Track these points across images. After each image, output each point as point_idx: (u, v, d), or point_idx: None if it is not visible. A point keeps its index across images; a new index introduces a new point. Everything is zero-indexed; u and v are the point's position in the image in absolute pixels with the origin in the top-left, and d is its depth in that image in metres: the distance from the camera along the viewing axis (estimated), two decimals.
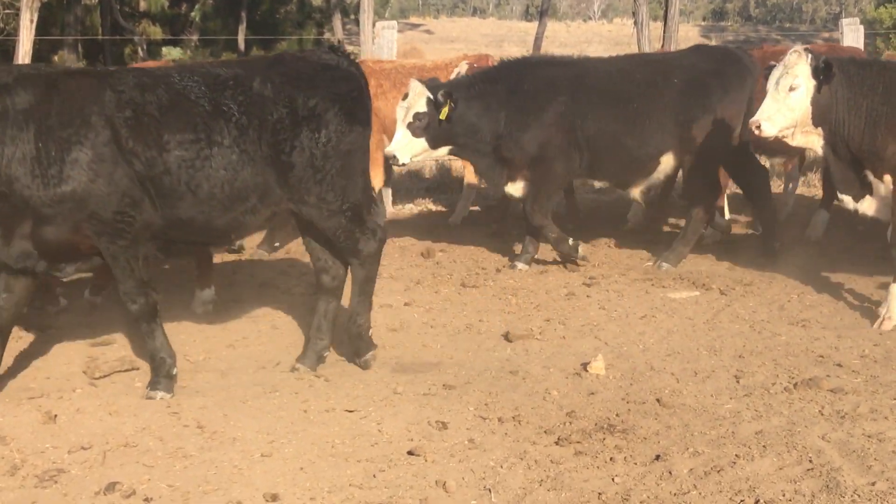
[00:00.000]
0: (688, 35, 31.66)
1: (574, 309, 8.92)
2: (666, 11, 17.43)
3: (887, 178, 8.14)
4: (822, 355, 7.44)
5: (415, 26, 38.07)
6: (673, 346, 7.82)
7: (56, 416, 6.40)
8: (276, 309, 8.90)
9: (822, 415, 6.29)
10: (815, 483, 5.34)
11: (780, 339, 7.90)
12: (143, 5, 26.45)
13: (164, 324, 7.01)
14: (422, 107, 9.85)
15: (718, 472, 5.51)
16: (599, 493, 5.35)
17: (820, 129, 8.21)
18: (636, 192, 10.52)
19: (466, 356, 7.70)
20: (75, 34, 23.82)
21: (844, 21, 14.91)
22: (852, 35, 14.45)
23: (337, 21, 27.90)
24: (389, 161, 10.22)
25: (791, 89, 8.09)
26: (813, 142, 8.32)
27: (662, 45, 17.06)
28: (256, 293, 9.45)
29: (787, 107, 8.12)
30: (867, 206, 8.42)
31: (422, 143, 9.95)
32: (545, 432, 6.21)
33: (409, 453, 5.92)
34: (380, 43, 14.45)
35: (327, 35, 28.53)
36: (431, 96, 9.82)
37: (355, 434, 6.23)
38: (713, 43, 32.05)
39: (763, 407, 6.45)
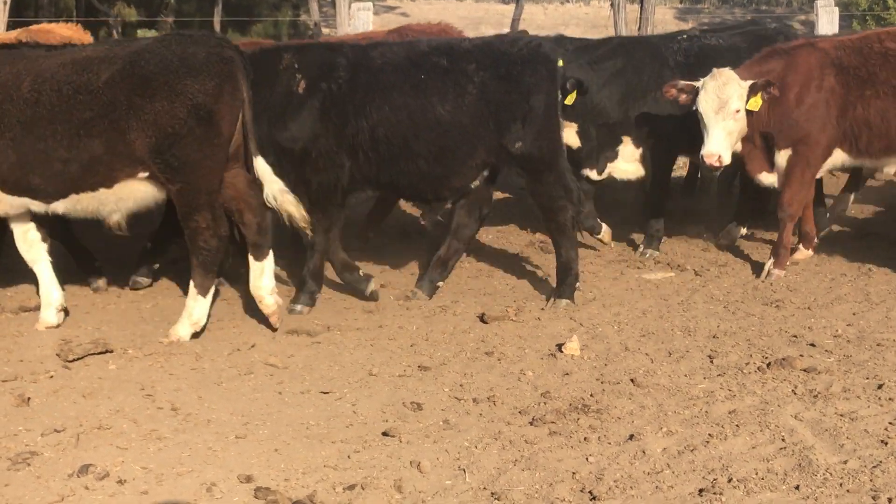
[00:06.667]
0: (664, 17, 31.64)
1: (549, 290, 8.92)
2: None
3: None
4: (796, 335, 7.48)
5: (391, 9, 37.92)
6: (647, 326, 7.84)
7: (29, 398, 6.38)
8: None
9: (795, 394, 6.32)
10: (787, 462, 5.37)
11: (754, 319, 7.94)
12: None
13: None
14: None
15: (692, 451, 5.54)
16: (573, 473, 5.36)
17: None
18: None
19: (442, 337, 7.70)
20: (49, 16, 23.64)
21: (819, 3, 14.87)
22: (827, 17, 14.45)
23: (313, 2, 27.74)
24: None
25: None
26: None
27: (639, 28, 17.05)
28: (232, 275, 9.40)
29: None
30: None
31: None
32: (520, 413, 6.23)
33: (384, 434, 5.93)
34: (355, 25, 14.36)
35: (303, 17, 28.40)
36: None
37: (330, 415, 6.23)
38: (689, 26, 32.03)
39: (736, 386, 6.48)
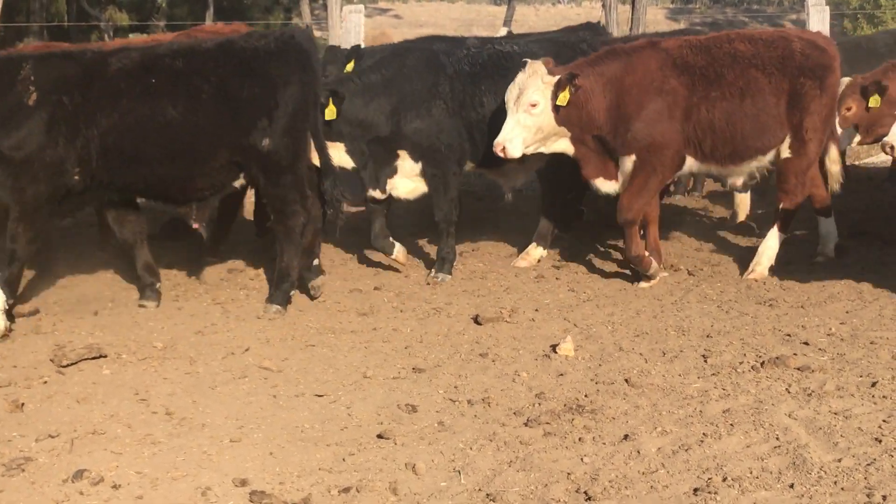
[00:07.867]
0: (656, 17, 31.72)
1: (543, 291, 8.94)
2: None
3: None
4: (789, 334, 7.48)
5: (384, 11, 37.98)
6: (641, 326, 7.85)
7: (23, 404, 6.37)
8: (245, 295, 8.87)
9: (789, 393, 6.32)
10: (782, 460, 5.37)
11: (748, 318, 7.94)
12: None
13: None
14: None
15: (686, 450, 5.54)
16: (568, 473, 5.37)
17: None
18: None
19: (436, 339, 7.71)
20: (41, 21, 23.64)
21: (810, 2, 14.91)
22: (818, 16, 14.48)
23: (305, 5, 27.81)
24: None
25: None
26: None
27: (631, 28, 17.06)
28: (225, 279, 9.41)
29: None
30: None
31: None
32: (514, 414, 6.23)
33: (379, 437, 5.94)
34: (347, 27, 14.38)
35: (295, 20, 28.42)
36: None
37: (325, 418, 6.23)
38: (680, 26, 32.05)
39: (730, 386, 6.49)
